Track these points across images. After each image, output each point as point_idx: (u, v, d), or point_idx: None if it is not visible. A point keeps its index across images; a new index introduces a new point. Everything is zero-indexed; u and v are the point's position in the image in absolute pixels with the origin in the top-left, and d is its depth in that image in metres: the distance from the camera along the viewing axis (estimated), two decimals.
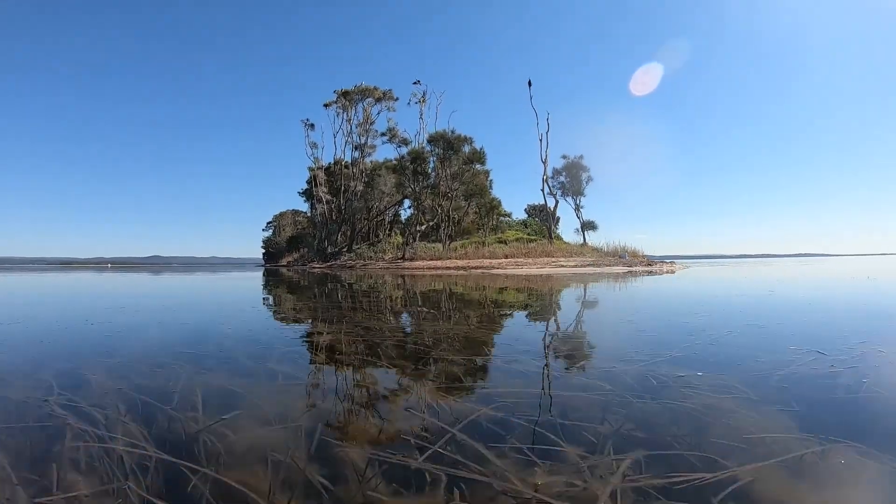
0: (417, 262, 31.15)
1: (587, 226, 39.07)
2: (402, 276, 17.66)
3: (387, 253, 37.42)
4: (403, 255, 34.41)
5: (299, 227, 73.69)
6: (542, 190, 36.12)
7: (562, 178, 39.86)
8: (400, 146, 36.54)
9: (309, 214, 61.49)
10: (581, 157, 39.64)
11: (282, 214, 77.06)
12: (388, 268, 29.49)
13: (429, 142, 34.92)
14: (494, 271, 19.02)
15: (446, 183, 34.40)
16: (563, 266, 19.81)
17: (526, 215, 52.01)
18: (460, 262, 28.79)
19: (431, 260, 31.89)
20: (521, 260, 26.04)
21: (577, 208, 39.35)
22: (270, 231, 76.34)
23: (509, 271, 18.02)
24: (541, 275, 16.67)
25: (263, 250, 71.51)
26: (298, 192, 61.12)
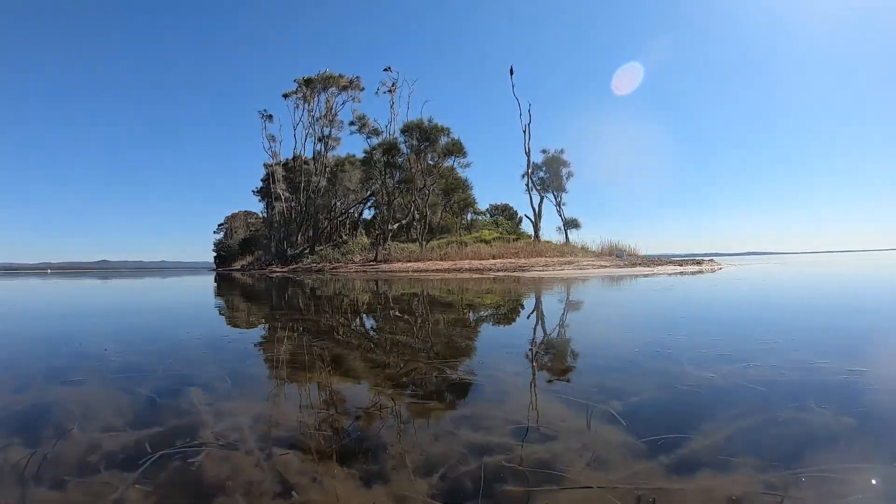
0: (394, 265, 26.44)
1: (570, 224, 35.61)
2: (386, 282, 13.14)
3: (355, 254, 32.41)
4: (375, 257, 29.55)
5: (252, 228, 67.04)
6: (527, 184, 32.29)
7: (541, 174, 36.30)
8: (370, 137, 31.71)
9: (265, 215, 55.16)
10: (562, 151, 36.14)
11: (233, 216, 70.01)
12: (364, 271, 24.63)
13: (402, 132, 30.28)
14: (525, 274, 14.73)
15: (422, 177, 29.91)
16: (604, 267, 15.85)
17: (489, 216, 48.14)
18: (445, 264, 24.34)
19: (409, 262, 27.25)
20: (525, 261, 21.95)
21: (559, 205, 35.85)
22: (222, 234, 69.12)
23: (544, 274, 13.81)
24: (586, 277, 12.66)
25: (215, 254, 64.31)
26: (253, 191, 54.64)
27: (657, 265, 15.96)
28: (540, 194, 32.74)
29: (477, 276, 14.52)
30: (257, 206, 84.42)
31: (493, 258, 25.58)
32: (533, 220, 31.94)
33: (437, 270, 21.52)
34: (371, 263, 28.37)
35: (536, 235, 31.36)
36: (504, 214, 48.63)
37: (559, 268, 15.72)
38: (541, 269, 15.70)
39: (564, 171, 36.30)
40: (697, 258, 20.28)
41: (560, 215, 35.72)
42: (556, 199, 36.29)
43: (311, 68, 57.32)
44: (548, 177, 36.36)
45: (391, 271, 23.40)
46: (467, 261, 24.73)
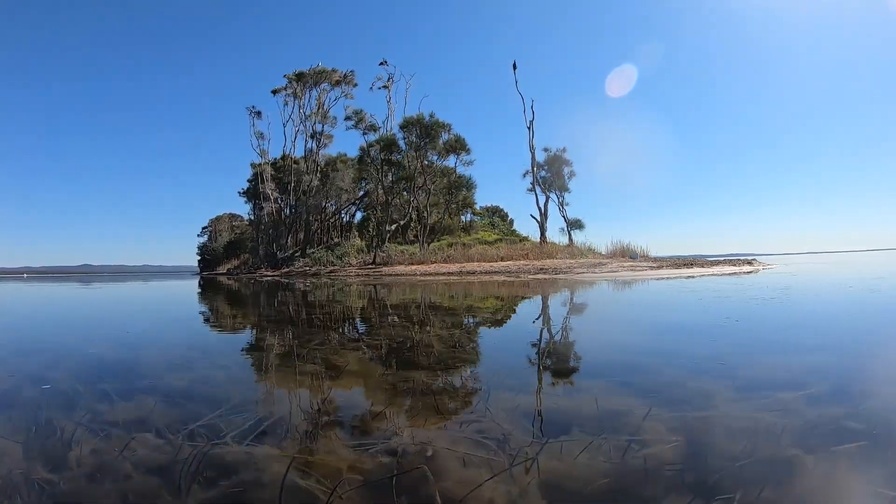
0: (396, 268, 24.06)
1: (574, 224, 33.72)
2: (394, 287, 10.91)
3: (350, 257, 29.91)
4: (374, 259, 27.10)
5: (238, 231, 63.94)
6: (532, 182, 30.27)
7: (543, 173, 34.41)
8: (366, 133, 29.20)
9: (252, 217, 52.19)
10: (564, 149, 34.30)
11: (218, 219, 66.67)
12: (365, 275, 22.19)
13: (401, 128, 27.93)
14: (572, 277, 12.47)
15: (422, 175, 27.59)
16: (653, 268, 13.62)
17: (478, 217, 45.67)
18: (452, 267, 22.07)
19: (412, 264, 24.90)
20: (541, 263, 19.77)
21: (562, 205, 33.94)
22: (206, 237, 65.75)
23: (596, 276, 11.46)
24: (648, 278, 10.57)
25: (199, 257, 60.96)
26: (239, 192, 51.47)
27: (711, 266, 13.94)
28: (545, 193, 30.71)
29: (502, 278, 12.22)
30: (243, 209, 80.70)
31: (502, 260, 23.45)
32: (539, 220, 29.89)
33: (448, 273, 19.27)
34: (370, 266, 25.95)
35: (543, 236, 29.32)
36: (496, 216, 46.54)
37: (609, 270, 13.42)
38: (586, 270, 13.40)
39: (566, 170, 34.51)
40: (741, 258, 18.37)
41: (563, 216, 33.87)
42: (558, 199, 34.46)
43: (300, 64, 54.26)
44: (549, 176, 34.49)
45: (395, 274, 21.06)
46: (475, 263, 22.52)
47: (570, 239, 33.24)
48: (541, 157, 33.50)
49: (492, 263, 21.93)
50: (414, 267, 23.50)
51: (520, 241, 29.48)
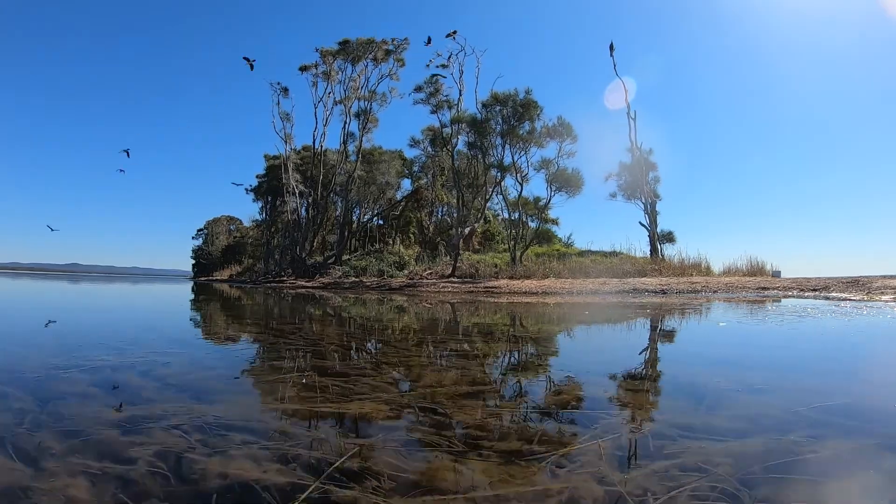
0: (492, 283, 17.62)
1: (665, 238, 27.87)
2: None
3: (413, 266, 23.25)
4: (452, 272, 20.57)
5: (237, 235, 56.49)
6: (642, 184, 24.36)
7: (626, 176, 28.62)
8: (439, 109, 22.80)
9: (260, 218, 44.89)
10: (650, 151, 28.64)
11: (215, 221, 59.03)
12: (468, 292, 15.63)
13: (484, 106, 21.74)
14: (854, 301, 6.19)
15: (514, 166, 21.33)
16: None
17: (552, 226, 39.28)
18: (589, 284, 15.73)
19: (511, 279, 18.50)
20: (712, 280, 13.68)
21: (651, 214, 28.11)
22: (201, 240, 57.88)
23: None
24: None
25: (193, 261, 52.92)
26: (246, 189, 44.22)
27: None
28: (652, 198, 24.78)
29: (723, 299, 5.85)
30: (243, 211, 73.38)
31: (640, 276, 17.27)
32: (649, 228, 23.93)
33: (610, 292, 12.91)
34: (454, 280, 19.38)
35: (654, 249, 23.33)
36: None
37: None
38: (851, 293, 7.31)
39: (651, 175, 28.87)
40: None
41: (653, 227, 28.03)
42: (644, 207, 28.67)
43: (305, 57, 47.40)
44: (632, 180, 28.81)
45: (518, 292, 14.60)
46: (616, 280, 16.21)
47: (661, 254, 27.45)
48: (623, 158, 27.84)
49: (641, 280, 15.66)
50: (527, 283, 17.05)
51: (606, 256, 23.43)
